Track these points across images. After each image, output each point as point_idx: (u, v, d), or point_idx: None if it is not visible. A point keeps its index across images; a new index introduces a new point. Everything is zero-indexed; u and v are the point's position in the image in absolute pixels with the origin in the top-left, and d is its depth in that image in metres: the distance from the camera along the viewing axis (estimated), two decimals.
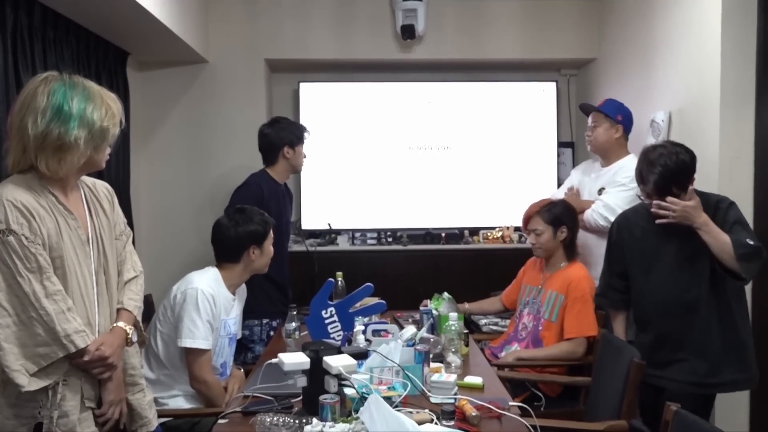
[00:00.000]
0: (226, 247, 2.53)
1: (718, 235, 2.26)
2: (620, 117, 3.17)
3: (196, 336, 2.32)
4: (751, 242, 2.25)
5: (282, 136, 3.25)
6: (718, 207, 2.34)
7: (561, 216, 2.92)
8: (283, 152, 3.25)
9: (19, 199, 1.62)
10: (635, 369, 2.19)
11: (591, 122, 3.24)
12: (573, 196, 3.33)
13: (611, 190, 3.09)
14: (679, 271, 2.39)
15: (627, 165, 3.10)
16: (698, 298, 2.35)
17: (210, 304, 2.37)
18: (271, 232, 2.60)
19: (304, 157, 3.36)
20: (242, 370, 2.64)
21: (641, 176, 2.38)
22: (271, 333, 3.08)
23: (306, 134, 3.34)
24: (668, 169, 2.29)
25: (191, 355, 2.33)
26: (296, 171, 3.42)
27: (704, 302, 2.35)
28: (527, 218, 2.99)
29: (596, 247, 3.13)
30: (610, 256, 2.65)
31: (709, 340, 2.34)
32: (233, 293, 2.55)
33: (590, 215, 3.10)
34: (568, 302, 2.78)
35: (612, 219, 3.00)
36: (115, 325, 1.80)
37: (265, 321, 3.08)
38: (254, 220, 2.54)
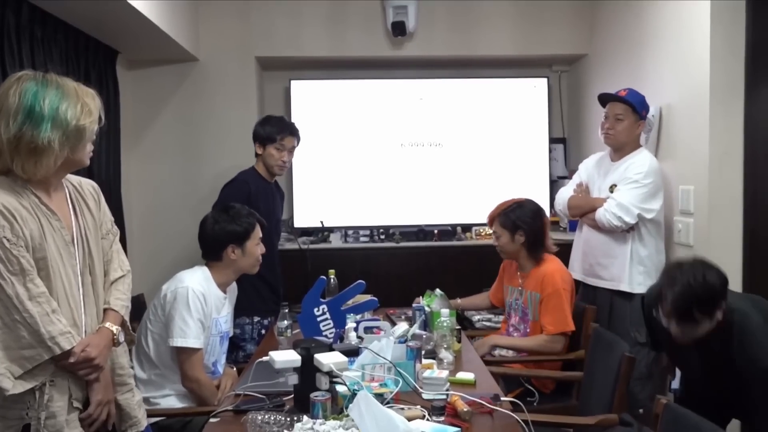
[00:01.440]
0: (206, 245, 2.53)
1: None
2: (645, 113, 3.04)
3: (187, 335, 2.31)
4: None
5: (256, 131, 3.24)
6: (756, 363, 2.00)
7: (517, 220, 2.83)
8: (256, 146, 3.24)
9: (1, 201, 1.60)
10: (626, 363, 2.20)
11: (612, 113, 3.03)
12: (582, 192, 3.19)
13: (623, 187, 2.94)
14: (709, 378, 2.18)
15: (639, 160, 2.97)
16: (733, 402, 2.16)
17: (201, 302, 2.36)
18: (256, 232, 2.56)
19: (283, 162, 3.22)
20: (234, 369, 2.64)
21: (661, 293, 2.06)
22: (263, 331, 3.07)
23: (280, 136, 3.18)
24: (691, 289, 1.97)
25: (183, 354, 2.33)
26: (271, 172, 3.26)
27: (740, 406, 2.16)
28: (490, 220, 2.94)
29: (603, 245, 3.04)
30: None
31: None
32: (224, 292, 2.54)
33: (603, 215, 2.94)
34: (542, 298, 2.77)
35: (627, 218, 2.88)
36: (101, 325, 1.79)
37: (256, 319, 3.07)
38: (236, 220, 2.52)
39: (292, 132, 3.26)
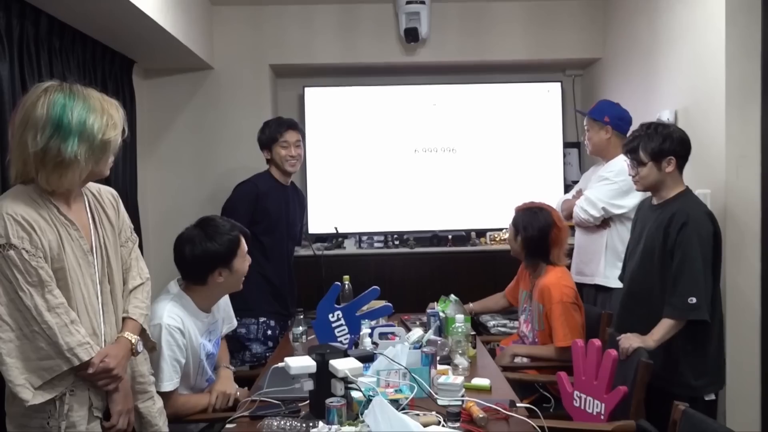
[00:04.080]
0: (187, 270, 2.29)
1: (669, 327, 2.33)
2: (607, 118, 3.14)
3: (160, 379, 2.13)
4: (693, 300, 2.29)
5: (259, 139, 3.30)
6: (668, 234, 2.37)
7: (517, 223, 2.89)
8: (264, 154, 3.29)
9: (20, 213, 1.61)
10: (643, 369, 2.18)
11: (585, 127, 3.27)
12: (578, 197, 3.29)
13: (595, 184, 3.11)
14: (642, 260, 2.48)
15: (615, 161, 3.10)
16: (651, 290, 2.40)
17: (177, 337, 2.18)
18: (242, 247, 2.33)
19: (291, 156, 3.21)
20: (232, 368, 2.52)
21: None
22: (268, 332, 3.06)
23: (279, 133, 3.20)
24: (643, 129, 2.47)
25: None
26: (285, 171, 3.25)
27: (657, 297, 2.40)
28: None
29: (585, 241, 3.19)
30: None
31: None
32: (207, 311, 2.36)
33: (574, 209, 3.13)
34: (546, 311, 2.75)
35: (591, 211, 3.05)
36: (120, 335, 1.80)
37: (261, 320, 3.05)
38: (215, 237, 2.25)
39: (291, 126, 3.28)
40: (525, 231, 2.84)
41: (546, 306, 2.74)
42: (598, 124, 3.16)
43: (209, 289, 2.31)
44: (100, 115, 1.68)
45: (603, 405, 2.23)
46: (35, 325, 1.59)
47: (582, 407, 2.32)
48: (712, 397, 2.44)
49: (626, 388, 2.19)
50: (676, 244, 2.35)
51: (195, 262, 2.25)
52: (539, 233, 2.82)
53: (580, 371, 2.36)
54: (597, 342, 2.31)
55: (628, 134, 2.70)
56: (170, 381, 2.18)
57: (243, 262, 2.35)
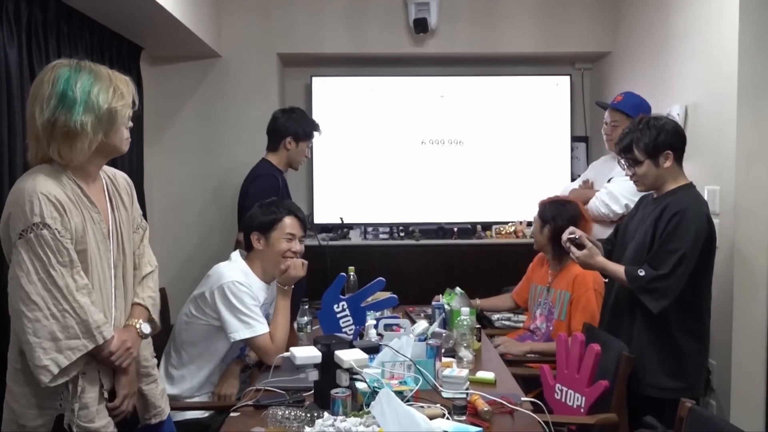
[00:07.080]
0: (244, 233, 2.54)
1: (615, 272, 2.34)
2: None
3: (253, 327, 2.28)
4: (642, 273, 2.23)
5: (288, 126, 3.19)
6: (657, 227, 2.28)
7: (544, 215, 2.88)
8: (285, 142, 3.18)
9: (53, 193, 1.62)
10: (625, 362, 2.18)
11: (609, 120, 3.15)
12: (586, 188, 3.28)
13: (618, 178, 3.00)
14: (635, 253, 2.37)
15: None
16: (632, 294, 2.31)
17: (249, 291, 2.33)
18: (284, 225, 2.47)
19: (306, 157, 3.28)
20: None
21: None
22: None
23: (316, 133, 3.25)
24: (634, 126, 2.36)
25: (258, 341, 2.30)
26: (292, 166, 3.28)
27: (637, 300, 2.29)
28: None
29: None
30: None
31: (634, 337, 2.33)
32: (267, 282, 2.50)
33: (592, 203, 3.06)
34: (573, 298, 2.75)
35: (613, 207, 2.98)
36: (127, 323, 1.81)
37: None
38: (267, 209, 2.50)
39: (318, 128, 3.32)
40: (554, 222, 2.82)
41: (576, 293, 2.73)
42: (630, 120, 2.98)
43: (255, 255, 2.48)
44: (107, 86, 1.69)
45: (583, 398, 2.22)
46: (66, 304, 1.60)
47: (563, 400, 2.30)
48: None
49: (607, 383, 2.17)
50: (664, 234, 2.25)
51: (244, 225, 2.52)
52: (569, 224, 2.78)
53: (563, 364, 2.35)
54: (580, 335, 2.30)
55: None
56: (261, 323, 2.31)
57: (280, 240, 2.46)
